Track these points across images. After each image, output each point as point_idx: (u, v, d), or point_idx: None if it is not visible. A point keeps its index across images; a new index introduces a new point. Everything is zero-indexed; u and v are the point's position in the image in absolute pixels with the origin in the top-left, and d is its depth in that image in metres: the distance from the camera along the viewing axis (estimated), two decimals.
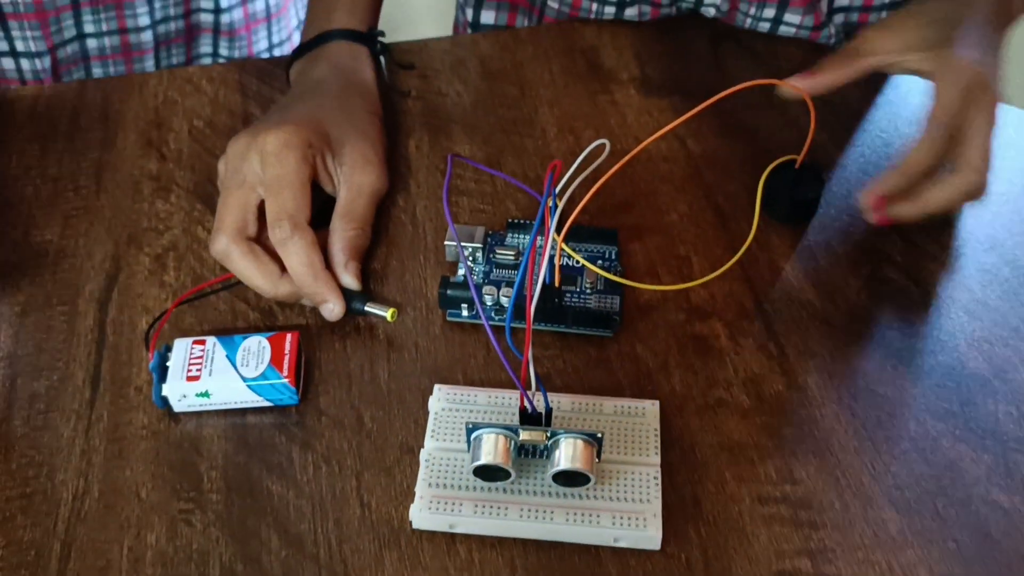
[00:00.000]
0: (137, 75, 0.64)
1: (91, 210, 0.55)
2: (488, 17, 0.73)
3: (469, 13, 0.73)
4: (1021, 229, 0.54)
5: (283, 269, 0.49)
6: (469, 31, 0.74)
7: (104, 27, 0.69)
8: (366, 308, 0.49)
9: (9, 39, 0.67)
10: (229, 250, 0.48)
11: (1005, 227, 0.54)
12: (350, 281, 0.49)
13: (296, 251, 0.48)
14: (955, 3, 0.55)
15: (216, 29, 0.74)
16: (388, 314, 0.48)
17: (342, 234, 0.50)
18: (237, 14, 0.74)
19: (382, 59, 0.62)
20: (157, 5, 0.70)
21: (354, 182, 0.52)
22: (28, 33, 0.66)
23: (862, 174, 0.57)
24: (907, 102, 0.62)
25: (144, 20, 0.70)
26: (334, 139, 0.52)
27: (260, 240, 0.49)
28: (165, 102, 0.62)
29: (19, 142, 0.60)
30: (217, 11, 0.73)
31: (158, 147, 0.59)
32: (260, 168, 0.49)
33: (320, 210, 0.51)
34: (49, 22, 0.67)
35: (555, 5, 0.70)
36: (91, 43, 0.70)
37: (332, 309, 0.48)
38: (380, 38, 0.61)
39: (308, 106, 0.54)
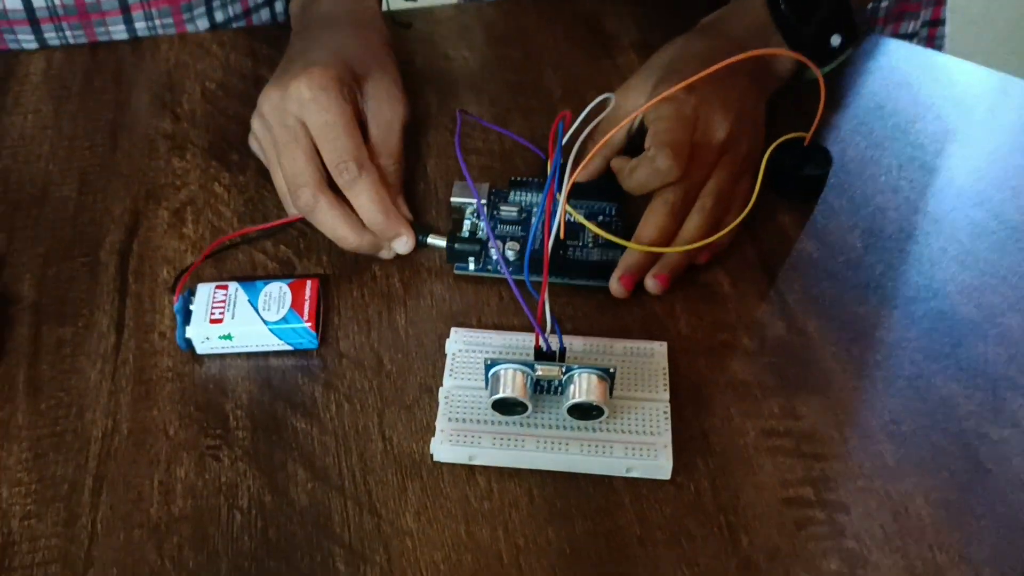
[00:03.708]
0: (148, 39, 0.66)
1: (108, 167, 0.57)
2: None
3: None
4: (1009, 185, 0.57)
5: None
6: None
7: None
8: (428, 241, 0.50)
9: None
10: (317, 201, 0.48)
11: (993, 184, 0.57)
12: (405, 212, 0.51)
13: (366, 189, 0.48)
14: (692, 37, 0.57)
15: None
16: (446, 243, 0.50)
17: (384, 170, 0.51)
18: None
19: None
20: None
21: (384, 116, 0.52)
22: None
23: (864, 143, 0.59)
24: (898, 68, 0.64)
25: None
26: (358, 75, 0.52)
27: None
28: (177, 65, 0.64)
29: (34, 102, 0.61)
30: None
31: (171, 108, 0.60)
32: (305, 117, 0.49)
33: None
34: None
35: None
36: None
37: (407, 242, 0.50)
38: None
39: (327, 45, 0.54)
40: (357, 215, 0.49)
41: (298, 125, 0.49)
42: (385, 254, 0.51)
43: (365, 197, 0.49)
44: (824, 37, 0.57)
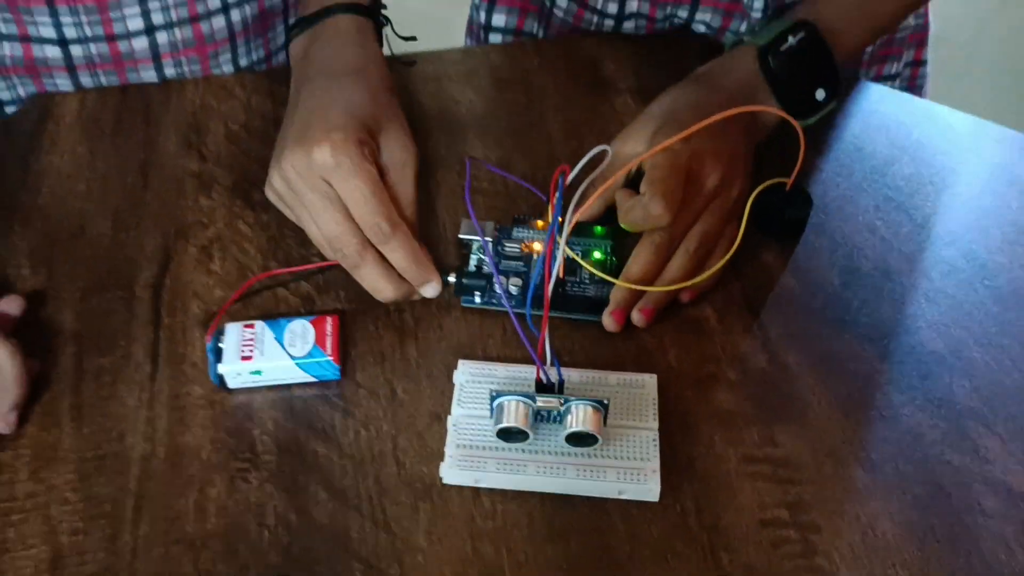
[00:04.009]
0: (175, 81, 0.70)
1: (140, 205, 0.61)
2: (499, 20, 0.79)
3: (483, 15, 0.79)
4: (979, 226, 0.61)
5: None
6: (482, 33, 0.80)
7: (174, 16, 0.68)
8: (449, 279, 0.54)
9: (58, 25, 0.66)
10: (363, 259, 0.52)
11: (963, 224, 0.61)
12: (428, 256, 0.54)
13: (399, 246, 0.52)
14: (687, 87, 0.61)
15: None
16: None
17: (405, 218, 0.54)
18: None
19: (384, 31, 0.64)
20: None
21: (398, 165, 0.55)
22: (84, 19, 0.66)
23: (843, 185, 0.63)
24: (877, 111, 0.69)
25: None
26: (372, 130, 0.55)
27: None
28: (202, 106, 0.68)
29: (69, 143, 0.65)
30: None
31: (198, 148, 0.65)
32: (333, 182, 0.52)
33: None
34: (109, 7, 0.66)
35: (560, 13, 0.76)
36: (160, 36, 0.68)
37: (435, 286, 0.54)
38: (383, 10, 0.63)
39: (339, 102, 0.55)
40: (394, 269, 0.53)
41: (328, 189, 0.53)
42: (415, 297, 0.55)
43: (399, 253, 0.52)
44: (810, 91, 0.61)
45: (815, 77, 0.61)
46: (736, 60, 0.62)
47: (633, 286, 0.54)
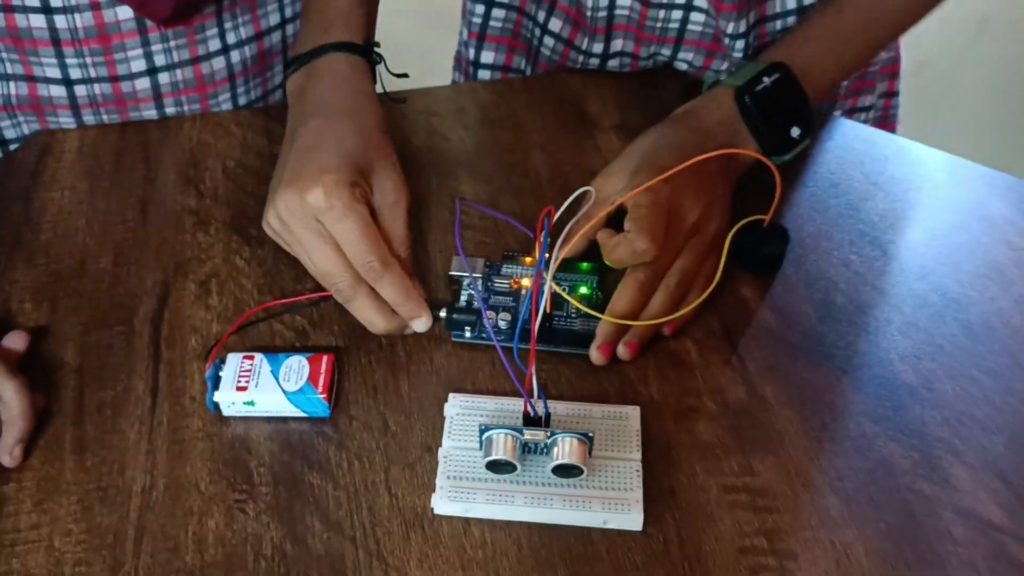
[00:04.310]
0: (173, 119, 0.72)
1: (139, 241, 0.63)
2: (488, 57, 0.81)
3: (471, 52, 0.82)
4: (948, 261, 0.63)
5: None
6: (471, 68, 0.82)
7: (175, 57, 0.70)
8: (440, 314, 0.56)
9: (63, 66, 0.68)
10: (356, 294, 0.54)
11: (935, 259, 0.63)
12: (420, 291, 0.56)
13: (391, 283, 0.54)
14: (666, 128, 0.63)
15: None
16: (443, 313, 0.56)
17: (397, 255, 0.56)
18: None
19: (378, 69, 0.66)
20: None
21: (390, 205, 0.57)
22: (89, 59, 0.68)
23: (819, 220, 0.66)
24: (852, 147, 0.71)
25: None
26: (364, 170, 0.57)
27: None
28: (199, 144, 0.70)
29: (70, 179, 0.67)
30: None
31: (196, 184, 0.67)
32: (325, 222, 0.54)
33: None
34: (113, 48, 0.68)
35: (547, 52, 0.79)
36: (162, 77, 0.71)
37: (425, 322, 0.55)
38: (376, 48, 0.65)
39: (331, 145, 0.57)
40: (386, 303, 0.55)
41: (321, 228, 0.55)
42: (406, 331, 0.57)
43: (391, 290, 0.55)
44: (785, 129, 0.63)
45: (790, 116, 0.64)
46: (714, 100, 0.65)
47: (619, 321, 0.56)
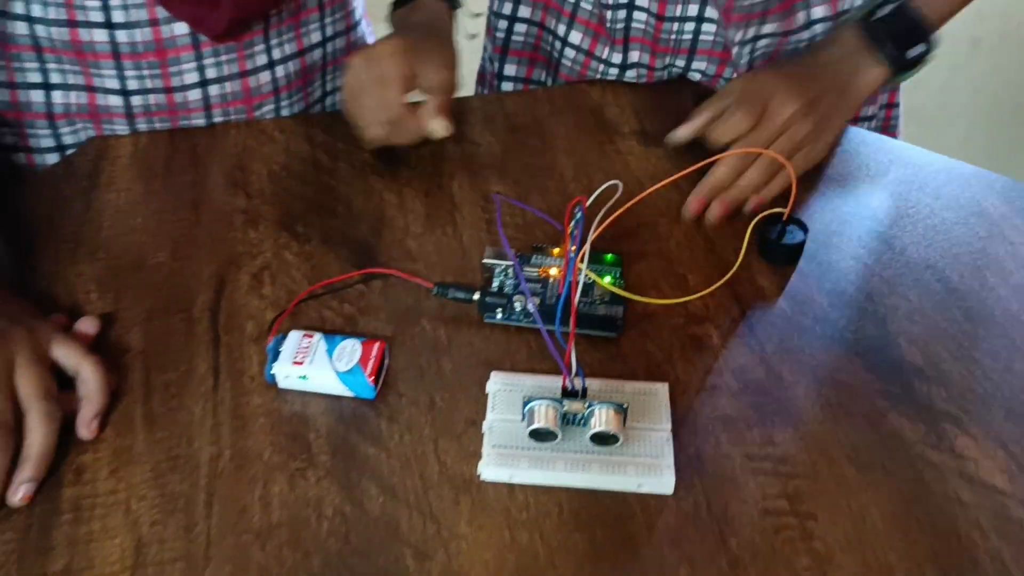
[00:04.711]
0: (219, 126, 0.77)
1: (193, 237, 0.67)
2: (511, 69, 0.86)
3: (495, 65, 0.87)
4: (950, 255, 0.68)
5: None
6: (495, 81, 0.87)
7: (225, 71, 0.77)
8: (474, 298, 0.61)
9: (122, 78, 0.74)
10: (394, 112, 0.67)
11: (937, 253, 0.68)
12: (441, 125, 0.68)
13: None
14: (789, 63, 0.74)
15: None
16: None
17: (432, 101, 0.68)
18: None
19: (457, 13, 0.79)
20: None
21: (439, 77, 0.68)
22: (146, 72, 0.74)
23: (830, 218, 0.70)
24: (858, 151, 0.76)
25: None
26: (425, 50, 0.68)
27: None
28: (245, 149, 0.74)
29: (125, 181, 0.72)
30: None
31: (243, 187, 0.71)
32: (381, 60, 0.66)
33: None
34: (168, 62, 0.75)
35: (567, 63, 0.83)
36: (212, 88, 0.77)
37: (443, 124, 0.67)
38: None
39: (409, 33, 0.70)
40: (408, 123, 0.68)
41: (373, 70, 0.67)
42: (432, 135, 0.68)
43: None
44: (904, 49, 0.73)
45: (909, 37, 0.73)
46: (834, 40, 0.74)
47: (706, 192, 0.69)
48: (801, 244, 0.66)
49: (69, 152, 0.76)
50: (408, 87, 0.67)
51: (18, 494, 0.51)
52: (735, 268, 0.62)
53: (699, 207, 0.68)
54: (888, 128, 0.90)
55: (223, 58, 0.74)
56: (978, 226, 0.70)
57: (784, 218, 0.65)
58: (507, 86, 0.88)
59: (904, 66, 0.74)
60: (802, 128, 0.69)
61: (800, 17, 0.77)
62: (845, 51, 0.73)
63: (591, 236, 0.56)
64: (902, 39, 0.73)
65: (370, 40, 0.87)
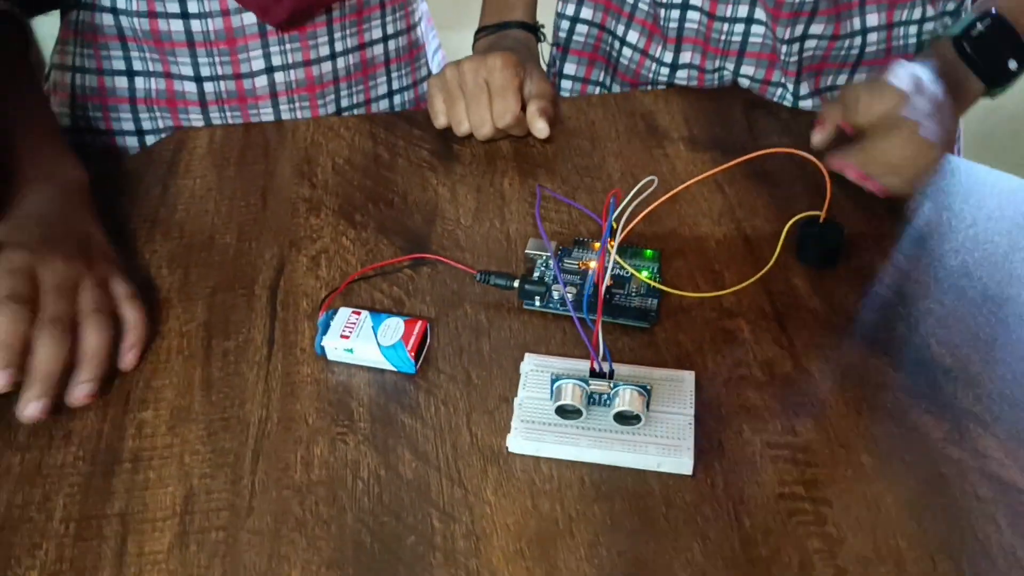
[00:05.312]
0: (289, 121, 0.82)
1: (259, 222, 0.72)
2: (570, 69, 0.90)
3: (556, 63, 0.91)
4: (988, 263, 0.68)
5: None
6: (555, 79, 0.91)
7: (290, 59, 0.84)
8: (515, 284, 0.65)
9: (196, 65, 0.81)
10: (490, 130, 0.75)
11: (976, 261, 0.68)
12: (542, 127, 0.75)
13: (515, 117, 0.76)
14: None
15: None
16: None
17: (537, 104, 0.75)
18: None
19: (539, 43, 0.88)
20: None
21: (541, 87, 0.76)
22: (217, 59, 0.81)
23: (867, 223, 0.72)
24: None
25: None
26: (526, 64, 0.76)
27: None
28: (312, 143, 0.79)
29: (201, 169, 0.77)
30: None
31: (309, 177, 0.76)
32: (492, 76, 0.74)
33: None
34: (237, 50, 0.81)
35: (625, 61, 0.87)
36: (278, 76, 0.83)
37: (547, 126, 0.75)
38: (541, 29, 0.88)
39: (509, 49, 0.78)
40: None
41: (485, 83, 0.74)
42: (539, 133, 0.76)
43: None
44: (1004, 64, 0.74)
45: (1005, 52, 0.74)
46: (934, 52, 0.75)
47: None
48: (837, 247, 0.68)
49: (147, 135, 0.83)
50: (521, 96, 0.75)
51: (77, 393, 0.57)
52: (770, 265, 0.64)
53: (840, 167, 0.69)
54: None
55: (288, 47, 0.80)
56: (1019, 236, 0.70)
57: (820, 220, 0.67)
58: (566, 84, 0.92)
59: (998, 82, 0.75)
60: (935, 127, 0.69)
61: (852, 23, 0.79)
62: (945, 67, 0.74)
63: (628, 227, 0.59)
64: (998, 56, 0.74)
65: (431, 41, 0.93)
